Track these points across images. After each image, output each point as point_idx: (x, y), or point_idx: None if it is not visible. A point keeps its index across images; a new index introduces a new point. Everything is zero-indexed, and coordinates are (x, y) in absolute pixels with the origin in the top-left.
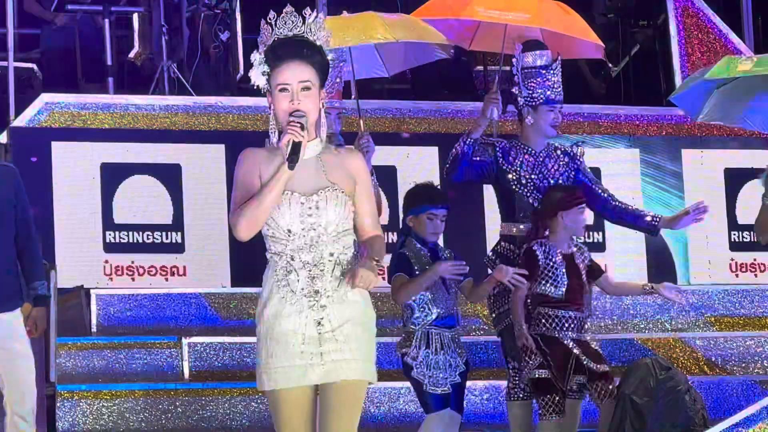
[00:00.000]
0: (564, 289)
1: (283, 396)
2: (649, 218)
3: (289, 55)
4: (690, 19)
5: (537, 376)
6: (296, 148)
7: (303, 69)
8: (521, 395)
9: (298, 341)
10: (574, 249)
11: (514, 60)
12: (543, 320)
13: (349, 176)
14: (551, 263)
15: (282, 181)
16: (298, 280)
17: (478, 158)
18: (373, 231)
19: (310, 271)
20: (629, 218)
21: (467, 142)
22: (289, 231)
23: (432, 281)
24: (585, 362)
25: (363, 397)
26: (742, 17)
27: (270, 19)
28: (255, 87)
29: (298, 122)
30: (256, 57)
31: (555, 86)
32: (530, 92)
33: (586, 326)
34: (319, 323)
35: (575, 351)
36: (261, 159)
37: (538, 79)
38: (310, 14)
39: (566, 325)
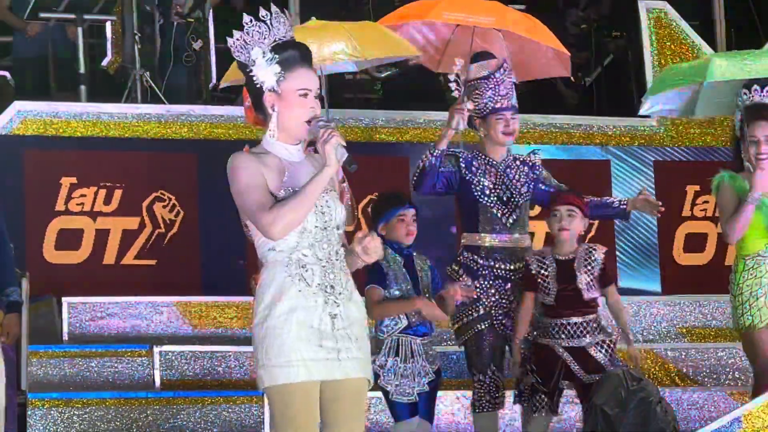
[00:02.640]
0: (554, 296)
1: (304, 389)
2: (616, 204)
3: (305, 60)
4: (663, 30)
5: (527, 382)
6: (347, 149)
7: (315, 76)
8: (487, 407)
9: (317, 336)
10: (580, 252)
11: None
12: (537, 327)
13: (331, 182)
14: (543, 272)
15: (326, 181)
16: (314, 275)
17: (443, 169)
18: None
19: (323, 266)
20: (599, 211)
21: (434, 153)
22: (304, 228)
23: (408, 311)
24: (575, 370)
25: None
26: (715, 29)
27: (263, 17)
28: (255, 85)
29: (332, 126)
30: (262, 54)
31: (501, 94)
32: (476, 103)
33: (589, 330)
34: (334, 319)
35: (565, 359)
36: (257, 161)
37: (482, 89)
38: (290, 18)
39: (558, 332)
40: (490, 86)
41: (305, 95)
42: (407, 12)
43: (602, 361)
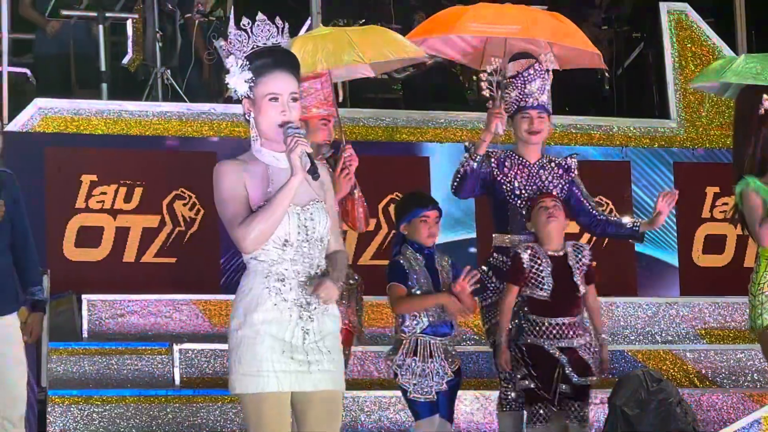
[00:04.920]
0: (550, 291)
1: (274, 399)
2: (630, 224)
3: (279, 64)
4: (684, 32)
5: (524, 387)
6: (311, 157)
7: (291, 80)
8: (512, 405)
9: (288, 348)
10: (569, 249)
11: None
12: (529, 328)
13: (321, 187)
14: (536, 265)
15: (293, 191)
16: (291, 290)
17: (481, 171)
18: (337, 245)
19: (301, 281)
20: (612, 229)
21: (475, 158)
22: (286, 241)
23: (433, 306)
24: (569, 373)
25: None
26: (736, 30)
27: (244, 25)
28: (234, 93)
29: (300, 133)
30: (236, 63)
31: (527, 92)
32: (506, 102)
33: (579, 331)
34: (306, 334)
35: (561, 361)
36: (241, 170)
37: (511, 88)
38: (282, 24)
39: (553, 332)
40: (518, 85)
41: (275, 99)
42: (433, 26)
43: (590, 362)
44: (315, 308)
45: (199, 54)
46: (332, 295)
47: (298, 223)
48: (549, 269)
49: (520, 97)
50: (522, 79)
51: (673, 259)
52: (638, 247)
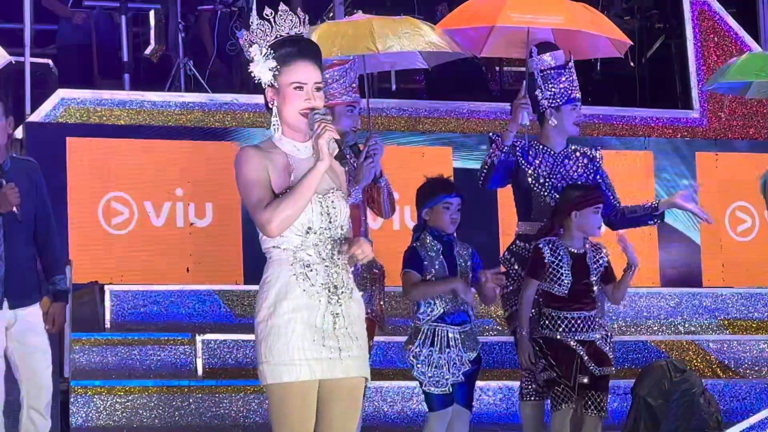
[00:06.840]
0: (568, 288)
1: (303, 389)
2: (647, 205)
3: (304, 53)
4: (706, 23)
5: (545, 377)
6: (339, 144)
7: (315, 69)
8: (534, 396)
9: (320, 335)
10: (589, 247)
11: (530, 63)
12: (547, 321)
13: (337, 176)
14: (557, 261)
15: (319, 176)
16: (318, 275)
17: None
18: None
19: (326, 266)
20: (630, 215)
21: (502, 149)
22: (309, 228)
23: (446, 292)
24: (587, 364)
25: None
26: (759, 21)
27: (267, 15)
28: (257, 81)
29: (327, 119)
30: (260, 51)
31: (574, 84)
32: (551, 93)
33: (596, 325)
34: (336, 318)
35: (579, 352)
36: (263, 156)
37: (558, 79)
38: (303, 15)
39: (570, 326)
40: (566, 75)
41: (300, 88)
42: (470, 16)
43: (609, 354)
44: (342, 292)
45: (222, 44)
46: (367, 252)
47: (320, 210)
48: (569, 266)
49: (570, 88)
50: (569, 70)
51: (697, 281)
52: (664, 277)
